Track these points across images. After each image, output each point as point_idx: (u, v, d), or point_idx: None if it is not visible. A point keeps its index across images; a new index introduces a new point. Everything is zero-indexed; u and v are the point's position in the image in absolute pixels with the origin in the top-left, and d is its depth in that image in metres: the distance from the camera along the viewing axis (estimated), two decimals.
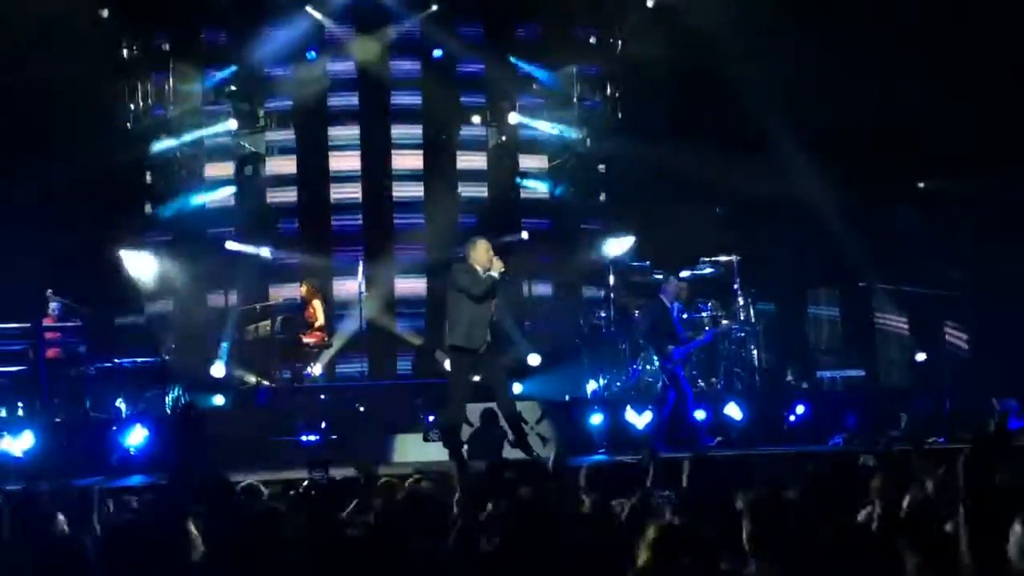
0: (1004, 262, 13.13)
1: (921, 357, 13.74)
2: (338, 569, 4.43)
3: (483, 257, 10.09)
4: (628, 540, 4.70)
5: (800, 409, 12.05)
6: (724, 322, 12.97)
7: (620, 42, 15.92)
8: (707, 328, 12.77)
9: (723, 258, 13.31)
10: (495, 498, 4.63)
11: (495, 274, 10.02)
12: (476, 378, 10.37)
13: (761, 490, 4.92)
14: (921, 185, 15.30)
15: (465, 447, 10.11)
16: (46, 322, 13.15)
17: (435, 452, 10.34)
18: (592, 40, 16.21)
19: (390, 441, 11.71)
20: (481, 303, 10.01)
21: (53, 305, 13.25)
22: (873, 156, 13.72)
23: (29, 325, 12.80)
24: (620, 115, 15.79)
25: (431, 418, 12.40)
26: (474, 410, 10.90)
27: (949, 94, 13.22)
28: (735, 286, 13.20)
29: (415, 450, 11.18)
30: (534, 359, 14.22)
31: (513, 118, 15.89)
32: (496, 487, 6.08)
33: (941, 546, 4.43)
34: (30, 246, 13.78)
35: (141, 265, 14.98)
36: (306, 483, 7.57)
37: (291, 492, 7.05)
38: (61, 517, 5.91)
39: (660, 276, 14.13)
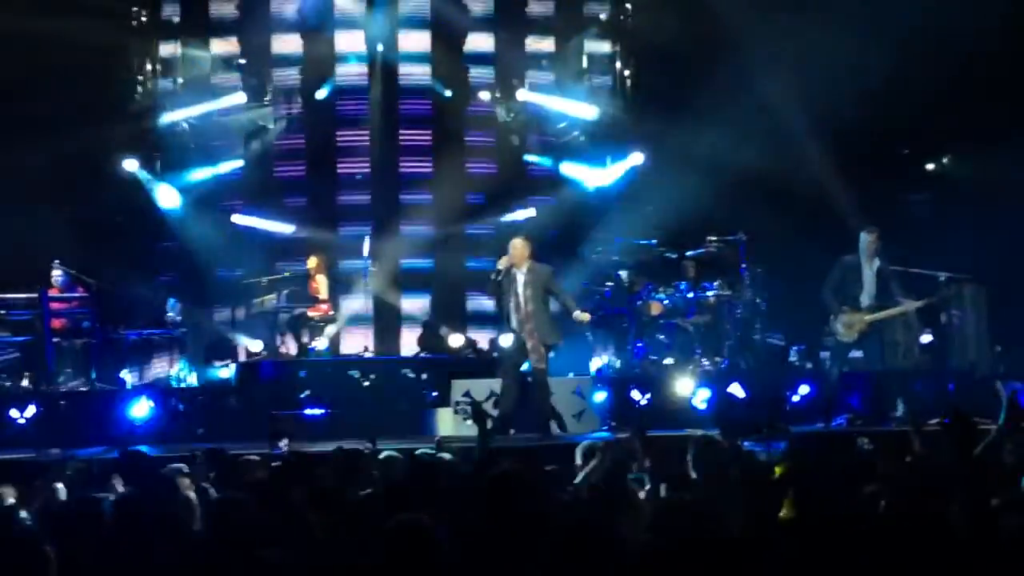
0: (1013, 244, 13.03)
1: (926, 339, 13.65)
2: (340, 533, 4.47)
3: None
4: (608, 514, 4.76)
5: (804, 389, 11.99)
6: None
7: (631, 18, 15.80)
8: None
9: (730, 237, 13.23)
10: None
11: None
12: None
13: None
14: (930, 167, 15.27)
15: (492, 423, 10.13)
16: (51, 292, 13.15)
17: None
18: (603, 16, 16.12)
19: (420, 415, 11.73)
20: None
21: (57, 274, 13.23)
22: (884, 135, 13.57)
23: (35, 295, 12.83)
24: (630, 91, 15.66)
25: (434, 393, 12.48)
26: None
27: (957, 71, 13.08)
28: (742, 265, 13.14)
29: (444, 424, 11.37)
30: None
31: (522, 95, 15.81)
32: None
33: (940, 524, 4.44)
34: (36, 216, 13.78)
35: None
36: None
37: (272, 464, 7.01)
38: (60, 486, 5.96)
39: (672, 255, 14.02)
